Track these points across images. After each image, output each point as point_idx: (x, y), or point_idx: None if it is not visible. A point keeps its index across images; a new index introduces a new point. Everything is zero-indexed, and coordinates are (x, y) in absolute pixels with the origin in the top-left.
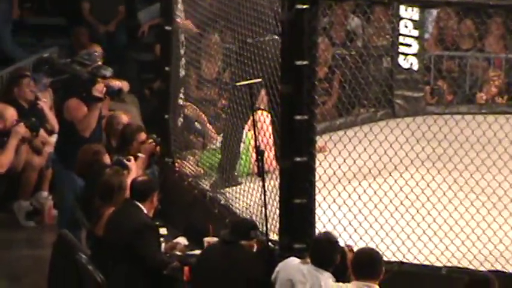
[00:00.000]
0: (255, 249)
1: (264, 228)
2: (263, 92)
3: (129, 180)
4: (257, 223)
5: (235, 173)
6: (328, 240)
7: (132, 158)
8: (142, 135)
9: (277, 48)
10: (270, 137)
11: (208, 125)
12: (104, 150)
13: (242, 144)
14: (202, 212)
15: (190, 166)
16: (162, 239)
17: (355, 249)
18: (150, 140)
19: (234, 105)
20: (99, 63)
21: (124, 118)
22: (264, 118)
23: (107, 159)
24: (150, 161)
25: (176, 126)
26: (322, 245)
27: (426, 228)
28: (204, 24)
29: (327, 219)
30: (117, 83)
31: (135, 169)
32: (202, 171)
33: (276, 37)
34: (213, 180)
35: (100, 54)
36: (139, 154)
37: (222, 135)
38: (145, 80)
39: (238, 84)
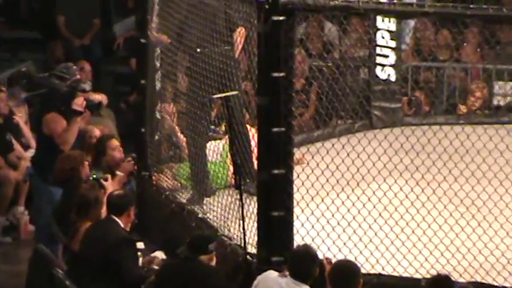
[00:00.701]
0: (213, 263)
1: (242, 241)
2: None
3: (105, 198)
4: (235, 236)
5: (211, 184)
6: (307, 252)
7: (109, 176)
8: (114, 142)
9: (223, 62)
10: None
11: (183, 137)
12: (83, 159)
13: (219, 157)
14: (179, 225)
15: (167, 180)
16: (139, 253)
17: (333, 261)
18: (129, 159)
19: (192, 118)
20: (78, 76)
21: (97, 132)
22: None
23: (85, 169)
24: (128, 178)
25: (153, 140)
26: (300, 257)
27: (405, 240)
28: (179, 37)
29: (305, 231)
30: (96, 97)
31: (111, 188)
32: (179, 184)
33: (226, 48)
34: (190, 195)
35: (87, 71)
36: (118, 172)
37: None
38: (121, 93)
39: (215, 96)
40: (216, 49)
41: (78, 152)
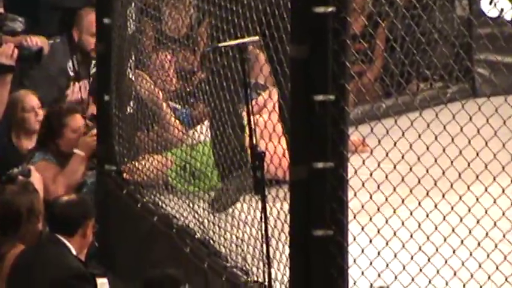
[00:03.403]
0: None
1: (266, 275)
2: (262, 57)
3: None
4: (254, 269)
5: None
6: None
7: (32, 168)
8: (77, 119)
9: None
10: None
11: (169, 110)
12: None
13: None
14: (165, 251)
15: (146, 178)
16: None
17: None
18: (93, 132)
19: (220, 78)
20: (1, 11)
21: (34, 100)
22: (273, 101)
23: None
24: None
25: (123, 114)
26: None
27: None
28: None
29: (367, 261)
30: (34, 41)
31: (39, 185)
32: (165, 185)
33: None
34: (216, 194)
35: None
36: (76, 151)
37: (208, 126)
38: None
39: (221, 45)
40: None
41: None
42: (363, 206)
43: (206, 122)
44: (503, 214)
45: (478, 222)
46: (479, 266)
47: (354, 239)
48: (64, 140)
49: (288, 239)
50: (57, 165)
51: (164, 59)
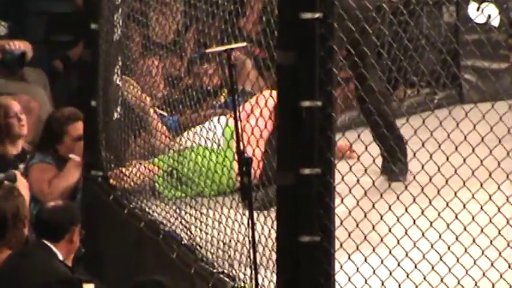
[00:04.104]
0: None
1: (253, 281)
2: (249, 63)
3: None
4: (241, 274)
5: None
6: None
7: (17, 173)
8: (78, 126)
9: None
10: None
11: (156, 116)
12: None
13: (221, 139)
14: (152, 257)
15: (133, 184)
16: None
17: None
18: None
19: None
20: None
21: (16, 106)
22: (260, 107)
23: None
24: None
25: (110, 120)
26: None
27: None
28: None
29: (353, 267)
30: (17, 45)
31: (26, 190)
32: (151, 191)
33: None
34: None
35: None
36: (72, 156)
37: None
38: (59, 44)
39: (208, 51)
40: None
41: None
42: (350, 212)
43: (193, 128)
44: (490, 221)
45: (465, 228)
46: (466, 272)
47: (341, 245)
48: (63, 146)
49: (275, 245)
50: (55, 168)
51: (151, 65)
